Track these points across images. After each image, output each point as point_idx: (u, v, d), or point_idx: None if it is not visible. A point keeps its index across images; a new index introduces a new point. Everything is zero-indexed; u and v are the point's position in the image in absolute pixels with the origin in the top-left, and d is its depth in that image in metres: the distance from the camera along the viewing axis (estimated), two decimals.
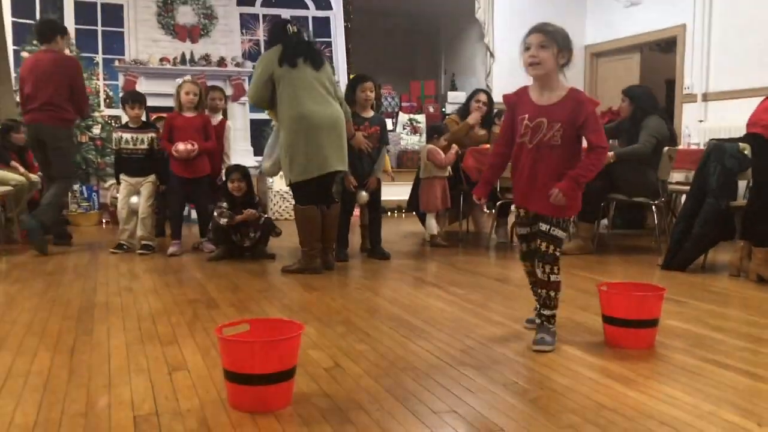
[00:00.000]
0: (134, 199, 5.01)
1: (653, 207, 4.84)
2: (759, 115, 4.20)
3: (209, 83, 7.74)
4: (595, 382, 2.17)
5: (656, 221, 4.87)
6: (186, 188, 4.98)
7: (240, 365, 1.90)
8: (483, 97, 5.69)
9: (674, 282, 3.82)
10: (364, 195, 4.70)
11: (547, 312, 2.61)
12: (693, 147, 5.85)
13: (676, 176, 5.72)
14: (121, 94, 7.46)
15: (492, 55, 8.35)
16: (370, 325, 2.91)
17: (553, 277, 2.56)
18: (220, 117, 5.36)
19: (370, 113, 4.75)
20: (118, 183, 5.10)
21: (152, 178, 5.06)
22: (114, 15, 7.58)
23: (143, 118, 5.32)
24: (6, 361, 2.39)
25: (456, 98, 8.42)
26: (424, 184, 5.38)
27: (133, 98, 5.15)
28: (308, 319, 2.95)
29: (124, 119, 5.45)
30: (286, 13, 8.18)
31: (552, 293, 2.58)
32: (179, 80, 5.07)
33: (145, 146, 5.05)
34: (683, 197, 5.87)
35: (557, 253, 2.55)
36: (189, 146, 4.75)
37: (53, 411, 1.92)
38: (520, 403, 1.98)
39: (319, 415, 1.89)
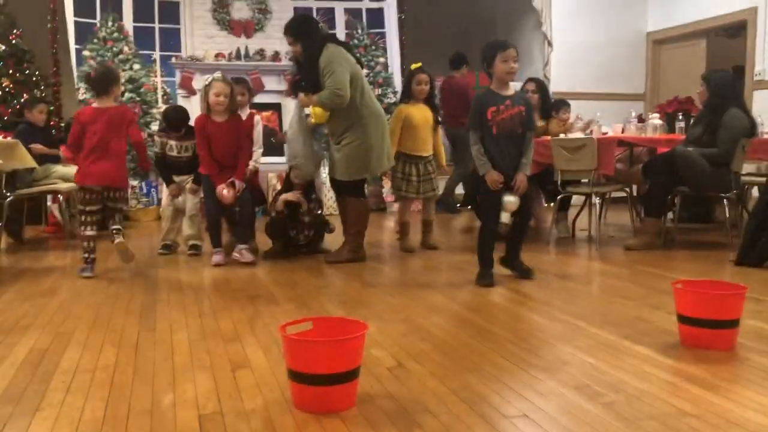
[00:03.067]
0: (179, 198, 4.80)
1: (725, 200, 4.61)
2: None
3: (264, 78, 7.80)
4: (674, 386, 2.06)
5: (728, 215, 4.64)
6: None
7: (305, 365, 1.86)
8: (531, 85, 5.52)
9: (751, 279, 3.62)
10: (513, 200, 3.52)
11: None
12: (766, 136, 5.54)
13: (747, 167, 5.44)
14: (178, 91, 7.60)
15: (550, 43, 8.13)
16: (431, 322, 2.85)
17: None
18: (247, 111, 4.74)
19: (511, 90, 3.67)
20: (168, 184, 4.85)
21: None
22: (170, 12, 7.69)
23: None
24: (74, 356, 2.42)
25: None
26: None
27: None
28: (367, 317, 2.90)
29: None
30: (339, 6, 8.17)
31: None
32: (208, 77, 4.38)
33: (189, 154, 4.77)
34: (754, 189, 5.60)
35: None
36: (233, 191, 4.28)
37: (120, 408, 1.92)
38: (594, 408, 1.88)
39: (385, 418, 1.83)
